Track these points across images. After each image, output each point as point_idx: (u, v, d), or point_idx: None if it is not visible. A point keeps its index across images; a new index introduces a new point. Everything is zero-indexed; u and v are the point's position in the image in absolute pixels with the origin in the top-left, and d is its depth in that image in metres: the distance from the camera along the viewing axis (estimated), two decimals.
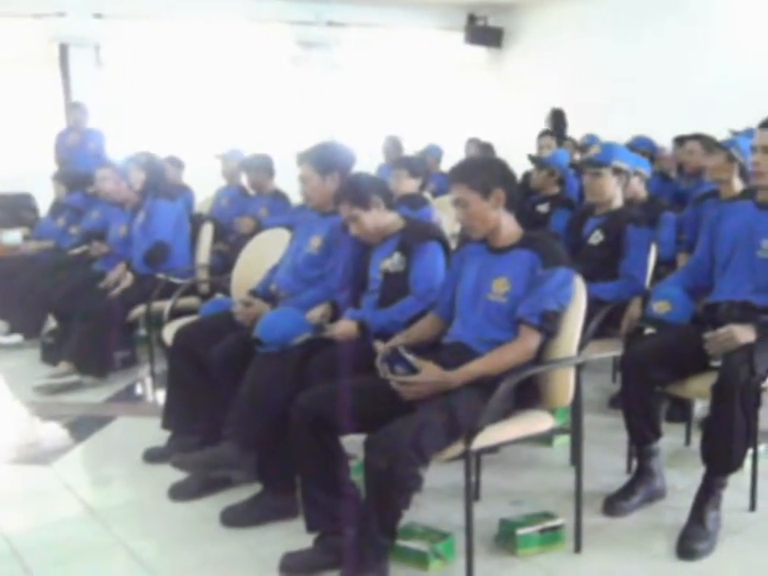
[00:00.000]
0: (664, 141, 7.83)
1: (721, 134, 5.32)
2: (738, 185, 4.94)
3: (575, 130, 9.21)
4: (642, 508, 3.92)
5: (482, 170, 3.51)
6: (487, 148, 9.05)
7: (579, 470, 3.59)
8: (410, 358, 3.31)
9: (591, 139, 8.13)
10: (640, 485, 3.94)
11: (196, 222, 6.33)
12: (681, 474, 4.16)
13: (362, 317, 3.91)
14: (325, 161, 4.34)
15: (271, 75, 11.64)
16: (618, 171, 4.66)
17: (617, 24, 10.88)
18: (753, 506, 3.90)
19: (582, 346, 4.20)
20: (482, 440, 3.18)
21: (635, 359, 3.88)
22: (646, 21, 10.59)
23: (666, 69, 10.36)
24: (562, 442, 4.55)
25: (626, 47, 10.78)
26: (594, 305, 4.34)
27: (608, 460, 4.39)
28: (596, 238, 4.64)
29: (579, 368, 3.51)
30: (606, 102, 10.87)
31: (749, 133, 5.62)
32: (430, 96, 12.38)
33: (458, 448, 3.15)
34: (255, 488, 3.93)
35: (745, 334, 3.62)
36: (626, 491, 3.93)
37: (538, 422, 3.46)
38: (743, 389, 3.51)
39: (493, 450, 4.22)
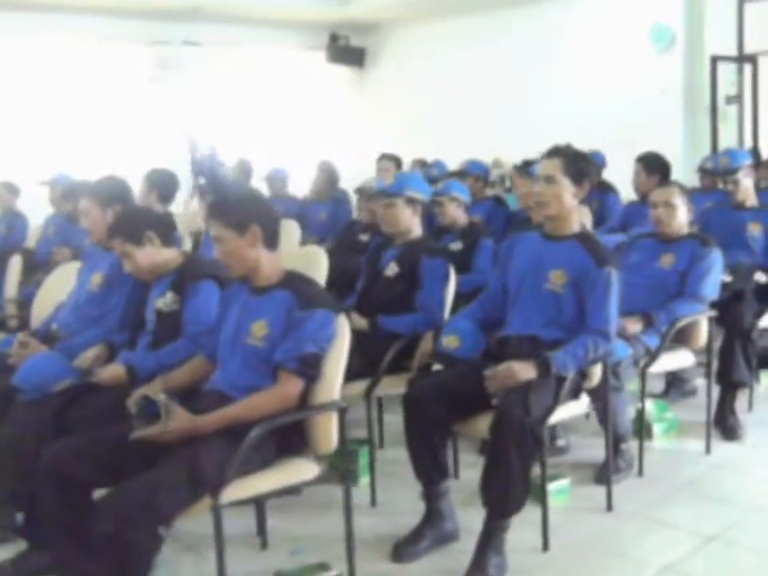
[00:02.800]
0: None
1: None
2: None
3: (434, 152, 9.11)
4: (433, 552, 3.78)
5: (239, 206, 3.31)
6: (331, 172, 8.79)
7: (349, 516, 3.40)
8: (160, 401, 3.08)
9: (439, 165, 8.04)
10: (429, 528, 3.80)
11: (5, 253, 6.04)
12: (479, 513, 3.97)
13: (131, 360, 3.69)
14: (105, 193, 4.16)
15: (128, 96, 11.29)
16: (411, 201, 4.52)
17: (475, 43, 10.85)
18: (545, 546, 3.80)
19: (373, 383, 4.09)
20: (234, 492, 3.00)
21: (416, 397, 3.74)
22: (505, 38, 10.58)
23: (526, 88, 10.35)
24: (368, 482, 4.40)
25: (485, 65, 10.74)
26: (389, 338, 4.23)
27: (411, 499, 4.21)
28: (391, 269, 4.47)
29: (342, 412, 3.30)
30: (466, 122, 10.84)
31: (593, 155, 5.57)
32: (293, 116, 12.19)
33: (207, 502, 2.96)
34: (22, 545, 3.68)
35: (525, 370, 3.52)
36: (415, 535, 3.79)
37: (301, 470, 3.29)
38: (518, 429, 3.40)
39: (293, 491, 4.06)
